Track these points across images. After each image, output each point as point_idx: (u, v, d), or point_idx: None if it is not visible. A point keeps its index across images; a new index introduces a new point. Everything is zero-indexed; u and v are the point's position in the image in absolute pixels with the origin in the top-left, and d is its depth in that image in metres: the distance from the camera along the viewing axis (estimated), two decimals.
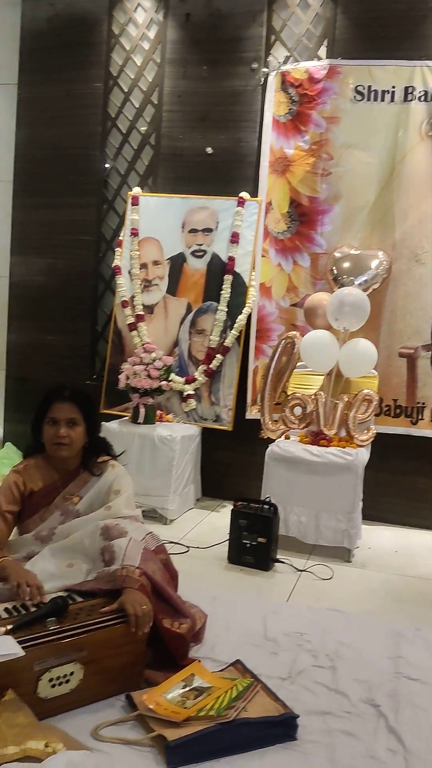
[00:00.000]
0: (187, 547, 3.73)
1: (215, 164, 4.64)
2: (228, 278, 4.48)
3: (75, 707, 2.05)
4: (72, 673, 2.01)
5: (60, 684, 1.99)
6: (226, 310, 4.47)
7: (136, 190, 4.78)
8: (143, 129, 4.87)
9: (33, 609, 2.14)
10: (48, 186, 5.03)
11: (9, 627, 1.98)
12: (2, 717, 1.76)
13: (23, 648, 1.90)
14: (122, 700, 2.12)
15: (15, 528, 2.59)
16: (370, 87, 4.24)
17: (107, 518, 2.48)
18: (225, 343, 4.46)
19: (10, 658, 1.84)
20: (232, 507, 3.62)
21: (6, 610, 2.15)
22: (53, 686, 1.98)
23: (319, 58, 4.39)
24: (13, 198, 5.15)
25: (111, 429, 4.22)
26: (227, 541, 3.61)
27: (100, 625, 2.08)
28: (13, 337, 5.23)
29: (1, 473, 4.61)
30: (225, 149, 4.62)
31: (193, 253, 4.62)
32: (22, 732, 1.72)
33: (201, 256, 4.60)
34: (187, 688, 2.11)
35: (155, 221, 4.71)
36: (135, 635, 2.11)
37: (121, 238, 4.78)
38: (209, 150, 4.64)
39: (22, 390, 5.15)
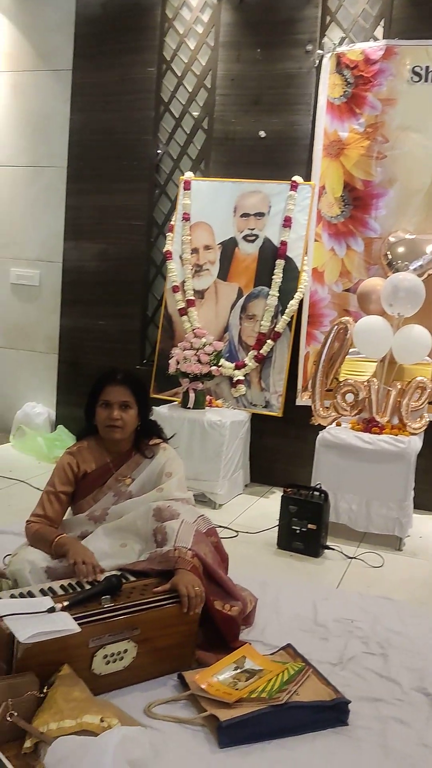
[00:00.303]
0: (236, 531, 3.74)
1: (268, 148, 4.60)
2: (280, 263, 4.44)
3: (128, 684, 2.09)
4: (126, 651, 2.05)
5: (114, 661, 2.03)
6: (278, 295, 4.43)
7: (188, 174, 4.77)
8: (196, 113, 4.85)
9: (88, 587, 2.18)
10: (101, 171, 5.05)
11: (65, 603, 2.02)
12: (59, 691, 1.80)
13: (79, 624, 1.93)
14: (174, 680, 2.15)
15: (69, 508, 2.64)
16: (427, 68, 4.13)
17: (159, 500, 2.51)
18: (276, 329, 4.43)
19: (66, 634, 1.88)
20: (281, 493, 3.61)
21: (62, 587, 2.20)
22: (107, 663, 2.02)
23: (376, 39, 4.30)
24: (67, 183, 5.19)
25: (161, 414, 4.24)
26: (276, 527, 3.61)
27: (153, 605, 2.11)
28: (66, 322, 5.29)
29: (55, 455, 4.69)
30: (278, 133, 4.56)
31: (244, 238, 4.60)
32: (78, 706, 1.76)
33: (253, 241, 4.57)
34: (239, 670, 2.12)
35: (207, 206, 4.69)
36: (187, 615, 2.13)
37: (172, 222, 4.78)
38: (262, 134, 4.59)
39: (74, 374, 5.22)
